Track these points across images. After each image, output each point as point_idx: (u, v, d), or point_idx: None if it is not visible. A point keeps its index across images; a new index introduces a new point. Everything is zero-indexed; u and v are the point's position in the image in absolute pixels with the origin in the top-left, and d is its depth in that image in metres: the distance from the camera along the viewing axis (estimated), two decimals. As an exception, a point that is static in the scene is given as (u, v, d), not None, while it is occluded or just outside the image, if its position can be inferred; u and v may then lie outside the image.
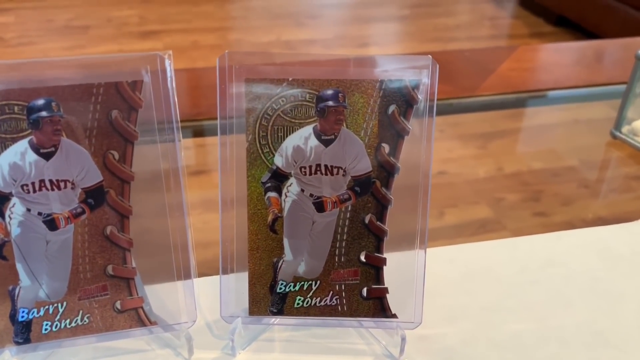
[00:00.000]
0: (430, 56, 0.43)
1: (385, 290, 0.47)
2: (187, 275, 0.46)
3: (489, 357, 0.48)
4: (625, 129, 0.87)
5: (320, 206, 0.45)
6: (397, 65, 0.44)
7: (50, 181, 0.42)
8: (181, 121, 0.44)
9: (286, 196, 0.45)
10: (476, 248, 0.61)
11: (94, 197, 0.43)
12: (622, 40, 1.42)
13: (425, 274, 0.46)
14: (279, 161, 0.45)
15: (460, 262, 0.58)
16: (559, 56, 1.28)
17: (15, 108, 0.40)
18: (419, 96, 0.44)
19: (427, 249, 0.46)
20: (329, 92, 0.43)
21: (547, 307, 0.54)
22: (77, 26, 2.97)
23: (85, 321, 0.45)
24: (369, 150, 0.44)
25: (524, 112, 1.11)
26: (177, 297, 0.46)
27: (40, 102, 0.40)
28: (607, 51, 1.31)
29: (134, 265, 0.45)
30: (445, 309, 0.52)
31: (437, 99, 0.44)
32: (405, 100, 0.44)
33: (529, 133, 1.00)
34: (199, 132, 0.76)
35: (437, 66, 0.43)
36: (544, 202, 0.75)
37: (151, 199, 0.45)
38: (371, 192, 0.45)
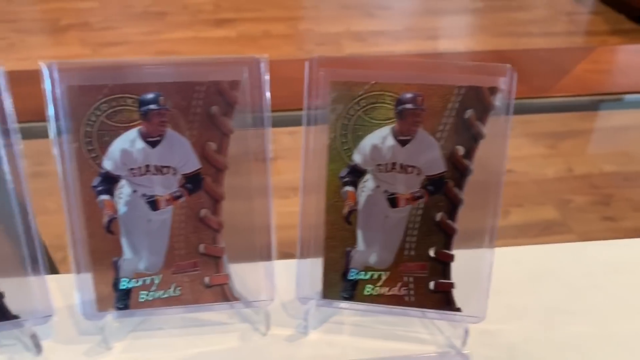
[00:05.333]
0: (509, 65, 0.45)
1: (452, 284, 0.50)
2: (267, 257, 0.50)
3: (548, 355, 0.50)
4: None
5: (393, 202, 0.48)
6: (476, 72, 0.46)
7: (155, 166, 0.47)
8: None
9: (362, 191, 0.49)
10: (542, 250, 0.63)
11: (192, 182, 0.48)
12: None
13: (492, 271, 0.49)
14: (357, 158, 0.48)
15: (525, 263, 0.60)
16: (639, 58, 1.24)
17: (129, 101, 0.45)
18: (496, 102, 0.46)
19: (497, 249, 0.48)
20: (409, 95, 0.46)
21: (609, 313, 0.55)
22: (154, 12, 3.10)
23: (176, 293, 0.50)
24: (444, 152, 0.47)
25: (597, 114, 1.09)
26: (257, 277, 0.51)
27: (150, 96, 0.45)
28: (692, 54, 1.25)
29: (222, 245, 0.50)
30: (509, 307, 0.54)
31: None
32: (482, 105, 0.46)
33: (602, 135, 0.98)
34: (277, 122, 0.80)
35: (516, 74, 0.45)
36: (614, 207, 0.75)
37: (239, 183, 0.49)
38: (444, 191, 0.48)
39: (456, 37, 2.95)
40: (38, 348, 0.49)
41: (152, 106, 0.46)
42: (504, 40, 2.81)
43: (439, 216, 0.48)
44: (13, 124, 0.44)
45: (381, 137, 0.47)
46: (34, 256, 0.47)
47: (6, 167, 0.45)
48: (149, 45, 2.80)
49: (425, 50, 2.70)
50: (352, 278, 0.50)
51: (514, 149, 0.89)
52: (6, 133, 0.45)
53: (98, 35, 2.88)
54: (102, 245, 0.48)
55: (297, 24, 3.09)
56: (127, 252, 0.49)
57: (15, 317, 0.48)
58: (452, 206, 0.48)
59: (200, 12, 3.09)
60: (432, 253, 0.49)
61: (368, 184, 0.48)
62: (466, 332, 0.49)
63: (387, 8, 3.18)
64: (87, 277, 0.48)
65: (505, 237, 0.70)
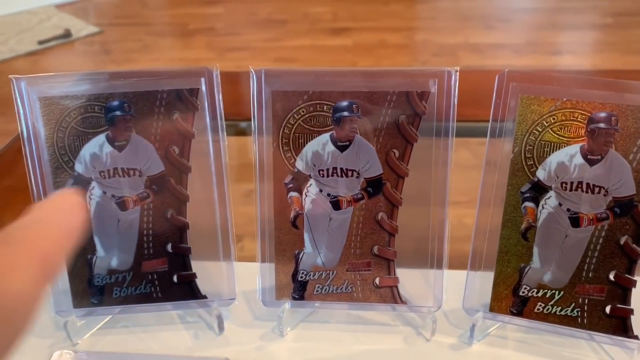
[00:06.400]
0: None
1: (631, 311, 0.48)
2: (439, 265, 0.51)
3: None
4: None
5: (576, 222, 0.48)
6: (678, 95, 0.45)
7: (341, 169, 0.50)
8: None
9: (543, 208, 0.49)
10: None
11: (373, 186, 0.50)
12: None
13: (676, 302, 0.47)
14: (541, 174, 0.48)
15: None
16: None
17: (324, 107, 0.49)
18: (698, 127, 0.44)
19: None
20: (602, 114, 0.46)
21: None
22: (276, 20, 3.22)
23: (348, 290, 0.53)
24: (635, 174, 0.46)
25: None
26: (425, 283, 0.52)
27: (344, 103, 0.48)
28: None
29: (395, 249, 0.52)
30: (687, 341, 0.51)
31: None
32: (682, 129, 0.44)
33: None
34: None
35: None
36: None
37: (418, 192, 0.51)
38: (631, 214, 0.47)
39: (582, 53, 2.82)
40: (221, 328, 0.53)
41: (344, 113, 0.48)
42: (635, 59, 2.64)
43: (623, 239, 0.47)
44: (222, 121, 0.49)
45: (569, 155, 0.47)
46: (226, 244, 0.52)
47: (212, 161, 0.50)
48: (270, 51, 2.92)
49: (547, 66, 2.60)
50: (523, 294, 0.50)
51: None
52: (215, 129, 0.49)
53: (223, 40, 3.05)
54: (287, 238, 0.51)
55: (413, 35, 3.09)
56: (307, 246, 0.52)
57: (204, 297, 0.53)
58: (639, 230, 0.47)
59: (319, 21, 3.18)
60: (612, 277, 0.48)
61: (550, 201, 0.48)
62: (644, 361, 0.47)
63: (507, 21, 3.10)
64: (270, 267, 0.52)
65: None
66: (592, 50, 2.86)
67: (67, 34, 2.93)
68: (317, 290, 0.53)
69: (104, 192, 0.50)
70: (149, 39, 3.14)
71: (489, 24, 3.04)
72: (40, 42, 2.83)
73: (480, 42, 2.87)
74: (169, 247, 0.51)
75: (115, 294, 0.52)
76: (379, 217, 0.51)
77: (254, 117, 0.49)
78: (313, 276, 0.52)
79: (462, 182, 0.67)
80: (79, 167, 0.49)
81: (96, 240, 0.51)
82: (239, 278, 0.56)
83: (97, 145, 0.49)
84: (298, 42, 2.99)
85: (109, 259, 0.51)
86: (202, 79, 0.48)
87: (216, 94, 0.48)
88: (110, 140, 0.49)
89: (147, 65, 2.82)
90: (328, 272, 0.52)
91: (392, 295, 0.53)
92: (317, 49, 2.91)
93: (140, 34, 3.19)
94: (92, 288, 0.52)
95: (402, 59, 2.83)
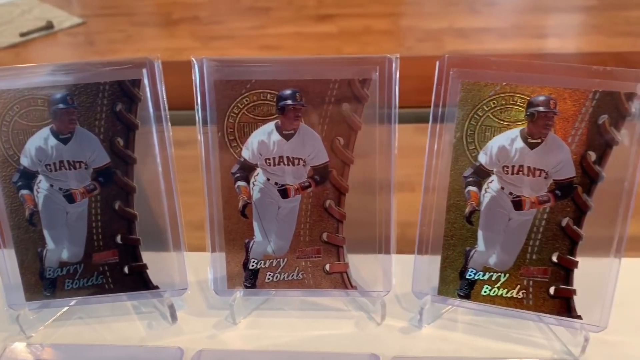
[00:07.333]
0: (651, 71, 0.44)
1: (573, 291, 0.49)
2: (387, 250, 0.52)
3: (675, 374, 0.48)
4: None
5: (518, 205, 0.48)
6: (612, 77, 0.45)
7: (287, 158, 0.50)
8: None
9: (486, 192, 0.49)
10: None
11: (319, 174, 0.50)
12: None
13: (617, 282, 0.47)
14: (483, 159, 0.48)
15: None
16: None
17: (268, 96, 0.49)
18: (633, 108, 0.45)
19: (624, 259, 0.47)
20: (541, 98, 0.46)
21: None
22: (260, 7, 3.20)
23: (299, 277, 0.53)
24: (574, 157, 0.46)
25: None
26: (376, 268, 0.53)
27: (288, 92, 0.48)
28: None
29: (344, 235, 0.52)
30: (632, 320, 0.52)
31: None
32: (617, 111, 0.45)
33: None
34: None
35: (658, 80, 0.44)
36: None
37: (363, 179, 0.51)
38: (572, 197, 0.47)
39: (567, 36, 2.81)
40: (174, 317, 0.53)
41: (288, 102, 0.49)
42: (621, 41, 2.64)
43: (564, 221, 0.48)
44: (166, 111, 0.49)
45: (509, 139, 0.47)
46: (175, 234, 0.52)
47: (157, 152, 0.50)
48: (254, 39, 2.90)
49: (532, 50, 2.60)
50: (470, 277, 0.51)
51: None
52: (159, 120, 0.49)
53: (207, 29, 3.03)
54: (236, 227, 0.52)
55: (398, 20, 3.07)
56: (257, 235, 0.52)
57: (156, 287, 0.53)
58: (580, 212, 0.47)
59: (303, 8, 3.15)
60: (554, 258, 0.49)
61: (493, 185, 0.49)
62: (586, 340, 0.48)
63: (493, 4, 3.09)
64: (221, 256, 0.53)
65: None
66: (577, 33, 2.86)
67: (49, 26, 2.90)
68: (269, 278, 0.53)
69: (51, 185, 0.50)
70: (133, 29, 3.11)
71: (474, 8, 3.03)
72: (22, 34, 2.80)
73: (466, 26, 2.86)
74: (119, 238, 0.52)
75: (67, 286, 0.52)
76: (327, 205, 0.51)
77: (197, 107, 0.49)
78: (264, 264, 0.53)
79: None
80: (24, 161, 0.49)
81: (46, 233, 0.51)
82: (192, 268, 0.56)
83: (42, 139, 0.49)
84: (282, 30, 2.97)
85: (60, 251, 0.52)
86: (144, 70, 0.48)
87: (158, 85, 0.48)
88: (55, 133, 0.49)
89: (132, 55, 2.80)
90: (279, 259, 0.53)
91: (342, 281, 0.53)
92: (301, 36, 2.90)
93: (124, 24, 3.15)
94: (43, 281, 0.52)
95: (387, 45, 2.82)
